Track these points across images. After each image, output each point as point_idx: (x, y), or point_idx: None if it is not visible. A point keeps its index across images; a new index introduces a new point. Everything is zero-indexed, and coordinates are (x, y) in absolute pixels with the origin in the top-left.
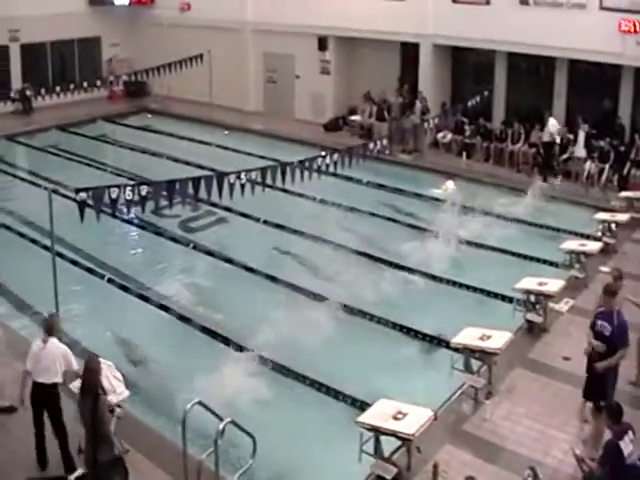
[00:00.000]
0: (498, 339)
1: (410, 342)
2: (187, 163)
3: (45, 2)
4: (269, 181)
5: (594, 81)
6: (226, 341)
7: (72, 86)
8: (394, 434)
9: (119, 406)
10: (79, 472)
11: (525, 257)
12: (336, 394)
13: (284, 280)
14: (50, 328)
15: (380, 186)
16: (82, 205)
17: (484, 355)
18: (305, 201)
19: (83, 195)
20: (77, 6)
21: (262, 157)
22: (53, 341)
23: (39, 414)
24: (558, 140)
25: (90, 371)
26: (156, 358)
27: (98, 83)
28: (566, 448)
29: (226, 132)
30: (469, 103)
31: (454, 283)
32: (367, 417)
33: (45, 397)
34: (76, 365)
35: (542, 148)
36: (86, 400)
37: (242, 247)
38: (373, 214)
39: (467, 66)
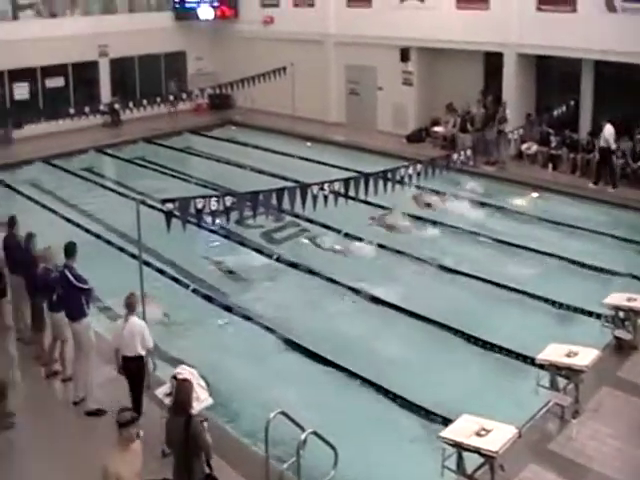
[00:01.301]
0: (585, 356)
1: (494, 357)
2: (270, 174)
3: (133, 18)
4: (352, 192)
5: None
6: (308, 353)
7: (158, 99)
8: (477, 451)
9: (205, 418)
10: None
11: (611, 272)
12: (418, 408)
13: (364, 291)
14: (130, 305)
15: (462, 198)
16: (169, 215)
17: (571, 372)
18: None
19: (170, 205)
20: (164, 21)
21: (344, 169)
22: (133, 318)
23: (133, 383)
24: (614, 146)
25: (182, 391)
26: (239, 367)
27: (184, 96)
28: None
29: (308, 144)
30: (555, 113)
31: (538, 297)
32: (450, 432)
33: (131, 368)
34: (151, 343)
35: (598, 154)
36: (178, 419)
37: (322, 258)
38: (454, 226)
39: (552, 75)
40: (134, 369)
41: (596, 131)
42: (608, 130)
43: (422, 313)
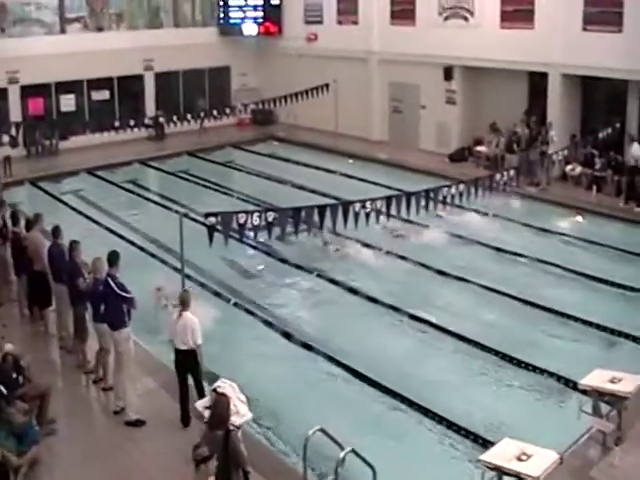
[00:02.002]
0: (629, 383)
1: (536, 381)
2: (312, 191)
3: (178, 33)
4: (393, 211)
5: None
6: (349, 370)
7: (202, 114)
8: (517, 475)
9: (238, 427)
10: None
11: None
12: (459, 430)
13: (406, 311)
14: (184, 302)
15: (506, 219)
16: (211, 229)
17: (614, 399)
18: (427, 231)
19: (212, 220)
20: (208, 37)
21: (386, 186)
22: (187, 314)
23: (183, 378)
24: None
25: (220, 405)
26: (279, 382)
27: (227, 111)
28: None
29: (350, 161)
30: (600, 135)
31: (583, 321)
32: (490, 456)
33: (185, 361)
34: (200, 340)
35: (627, 173)
36: (216, 433)
37: (365, 276)
38: (498, 249)
39: (598, 96)
40: (187, 361)
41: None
42: (636, 148)
43: (462, 333)
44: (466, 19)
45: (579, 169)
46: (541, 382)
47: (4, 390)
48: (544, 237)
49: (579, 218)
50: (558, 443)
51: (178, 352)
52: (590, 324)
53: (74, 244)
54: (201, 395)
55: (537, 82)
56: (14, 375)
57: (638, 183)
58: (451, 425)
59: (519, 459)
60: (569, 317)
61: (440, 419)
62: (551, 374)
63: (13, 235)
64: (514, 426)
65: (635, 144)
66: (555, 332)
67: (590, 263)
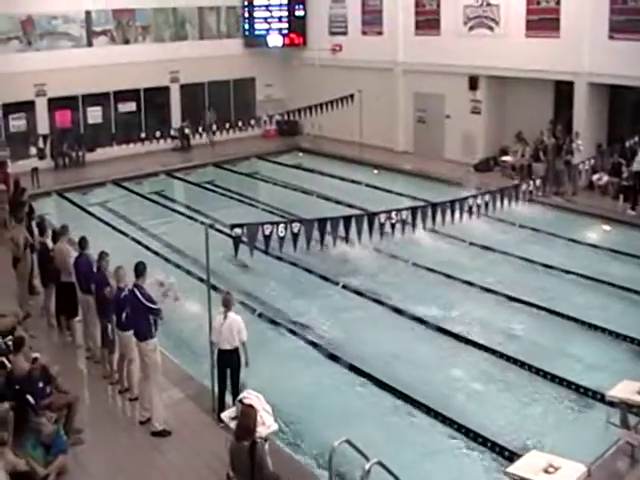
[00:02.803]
0: None
1: (563, 392)
2: (337, 202)
3: (204, 45)
4: (419, 221)
5: None
6: (372, 379)
7: (227, 125)
8: None
9: (265, 439)
10: None
11: None
12: (485, 441)
13: (431, 322)
14: (227, 303)
15: (532, 229)
16: (237, 240)
17: None
18: (453, 241)
19: (238, 231)
20: (234, 48)
21: (412, 197)
22: (231, 314)
23: (223, 374)
24: None
25: (247, 416)
26: (304, 393)
27: (252, 122)
28: None
29: (376, 171)
30: (627, 144)
31: (610, 332)
32: (517, 468)
33: (228, 359)
34: (245, 336)
35: (633, 179)
36: (242, 445)
37: (389, 288)
38: (523, 258)
39: (625, 105)
40: (231, 360)
41: None
42: None
43: (487, 344)
44: (491, 28)
45: (606, 178)
46: (569, 394)
47: (32, 400)
48: (571, 247)
49: (607, 228)
50: (586, 455)
51: (222, 352)
52: (617, 335)
53: (103, 255)
54: (236, 395)
55: (563, 91)
56: (42, 385)
57: None
58: (477, 437)
59: (546, 471)
60: (596, 328)
61: (467, 431)
62: (578, 386)
63: (40, 246)
64: (541, 438)
65: None
66: (583, 343)
67: (619, 273)
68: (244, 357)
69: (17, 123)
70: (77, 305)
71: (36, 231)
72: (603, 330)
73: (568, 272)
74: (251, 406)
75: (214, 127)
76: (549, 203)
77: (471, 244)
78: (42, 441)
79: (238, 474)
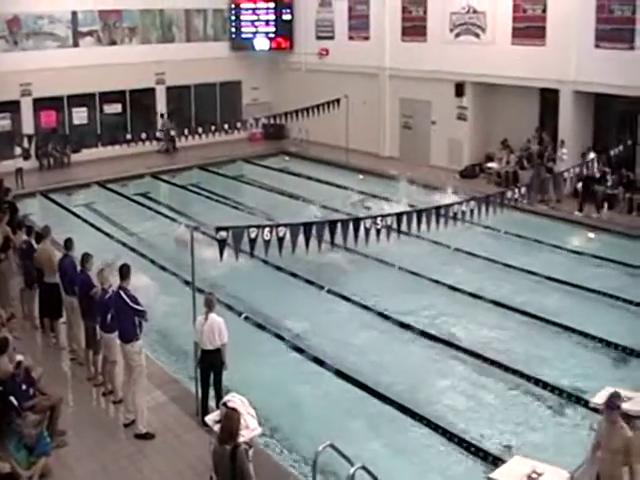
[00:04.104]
0: None
1: (548, 398)
2: (322, 206)
3: (190, 47)
4: (404, 227)
5: None
6: (359, 385)
7: (213, 127)
8: None
9: (249, 445)
10: None
11: None
12: (469, 446)
13: (419, 328)
14: (210, 304)
15: (517, 236)
16: (222, 243)
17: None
18: (439, 248)
19: (223, 234)
20: (220, 51)
21: (397, 202)
22: (213, 315)
23: (205, 375)
24: None
25: (230, 419)
26: (290, 397)
27: (238, 125)
28: None
29: (361, 177)
30: (611, 152)
31: (593, 337)
32: (501, 474)
33: (210, 360)
34: (226, 339)
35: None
36: (224, 448)
37: (377, 293)
38: (509, 265)
39: (610, 113)
40: (213, 361)
41: None
42: None
43: (475, 350)
44: (477, 35)
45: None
46: (552, 399)
47: (15, 402)
48: (556, 254)
49: (592, 235)
50: (568, 462)
51: (204, 352)
52: (600, 340)
53: (86, 257)
54: (219, 396)
55: (549, 99)
56: (25, 387)
57: None
58: (461, 442)
59: (530, 477)
60: (581, 334)
61: (451, 435)
62: (561, 391)
63: (25, 245)
64: (524, 444)
65: None
66: (566, 348)
67: (604, 280)
68: (225, 359)
69: (2, 123)
70: (61, 306)
71: (23, 231)
72: (585, 335)
73: (549, 278)
74: (235, 409)
75: (172, 133)
76: (533, 210)
77: (456, 250)
78: (25, 443)
79: (221, 477)
